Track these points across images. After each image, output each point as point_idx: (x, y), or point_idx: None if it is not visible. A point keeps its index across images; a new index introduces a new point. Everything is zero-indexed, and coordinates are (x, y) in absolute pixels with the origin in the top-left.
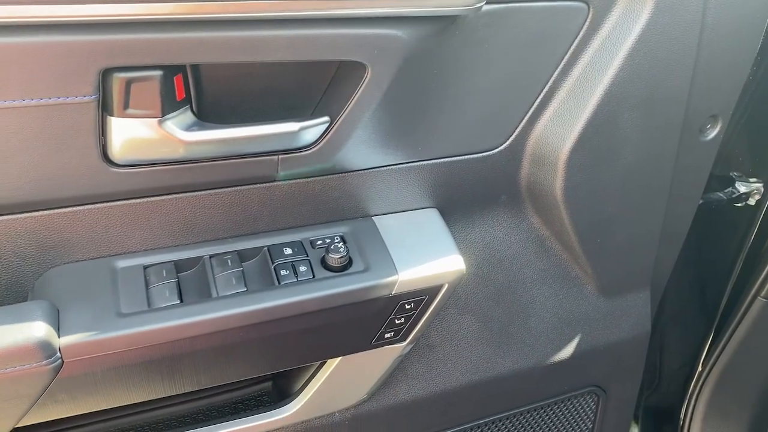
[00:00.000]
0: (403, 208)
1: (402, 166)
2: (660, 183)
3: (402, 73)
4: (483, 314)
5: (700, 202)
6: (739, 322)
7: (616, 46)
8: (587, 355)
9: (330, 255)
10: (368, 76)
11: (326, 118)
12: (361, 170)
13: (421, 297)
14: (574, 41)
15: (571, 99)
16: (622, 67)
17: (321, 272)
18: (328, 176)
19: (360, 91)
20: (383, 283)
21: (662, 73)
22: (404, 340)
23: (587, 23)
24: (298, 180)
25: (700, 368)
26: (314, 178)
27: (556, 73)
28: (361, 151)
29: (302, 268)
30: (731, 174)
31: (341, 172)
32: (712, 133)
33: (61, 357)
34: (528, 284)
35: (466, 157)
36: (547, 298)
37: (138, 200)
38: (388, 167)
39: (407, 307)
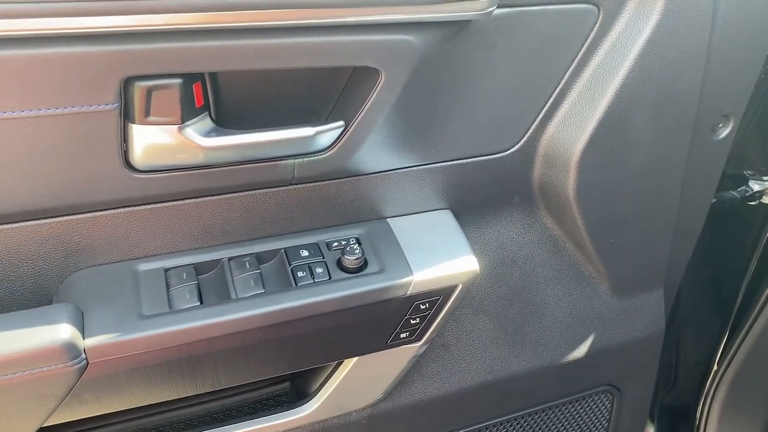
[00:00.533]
0: (417, 209)
1: (415, 168)
2: (672, 182)
3: (415, 77)
4: (497, 314)
5: (713, 200)
6: (755, 320)
7: (627, 47)
8: (601, 354)
9: (346, 257)
10: (382, 81)
11: (341, 123)
12: (375, 173)
13: (436, 297)
14: (584, 43)
15: (583, 100)
16: (632, 68)
17: (337, 274)
18: (343, 179)
19: (374, 95)
20: (398, 283)
21: (673, 74)
22: (419, 340)
23: (597, 25)
24: (314, 183)
25: (715, 367)
26: (329, 182)
27: (567, 74)
28: (375, 154)
29: (319, 270)
30: (744, 172)
31: (356, 175)
32: (724, 133)
33: (86, 358)
34: (542, 284)
35: (478, 158)
36: (561, 298)
37: (159, 205)
38: (401, 170)
39: (422, 307)
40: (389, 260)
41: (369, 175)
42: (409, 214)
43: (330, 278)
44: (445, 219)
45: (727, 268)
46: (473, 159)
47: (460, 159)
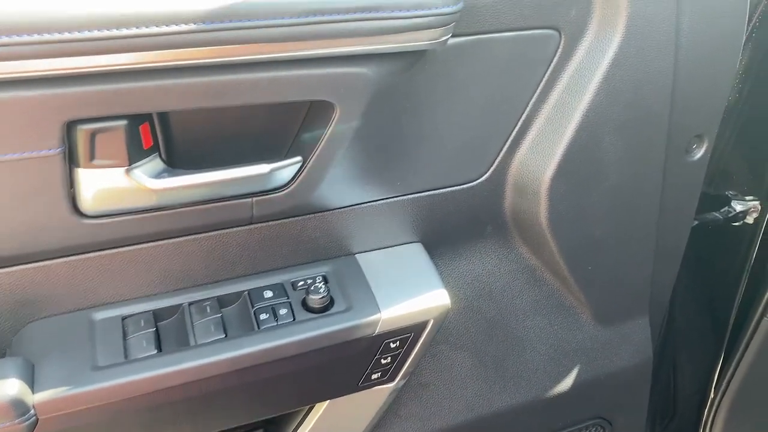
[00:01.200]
0: (386, 244)
1: (382, 202)
2: (648, 206)
3: (372, 109)
4: (476, 349)
5: (695, 223)
6: (747, 345)
7: (591, 70)
8: (588, 387)
9: (310, 296)
10: (337, 114)
11: (298, 158)
12: (339, 208)
13: (407, 335)
14: (548, 68)
15: (549, 126)
16: (598, 91)
17: (302, 314)
18: (307, 216)
19: (330, 129)
20: (365, 322)
21: (640, 95)
22: (392, 380)
23: (560, 50)
24: (276, 221)
25: (712, 395)
26: (293, 219)
27: (533, 101)
28: (338, 189)
29: (282, 311)
30: (727, 193)
31: (319, 211)
32: (699, 153)
33: (36, 414)
34: (521, 316)
35: (447, 189)
36: (542, 329)
37: (113, 251)
38: (367, 204)
39: (392, 345)
40: (356, 298)
41: (333, 211)
42: (379, 249)
43: (294, 319)
44: (416, 252)
45: (717, 292)
46: (441, 190)
47: (427, 190)
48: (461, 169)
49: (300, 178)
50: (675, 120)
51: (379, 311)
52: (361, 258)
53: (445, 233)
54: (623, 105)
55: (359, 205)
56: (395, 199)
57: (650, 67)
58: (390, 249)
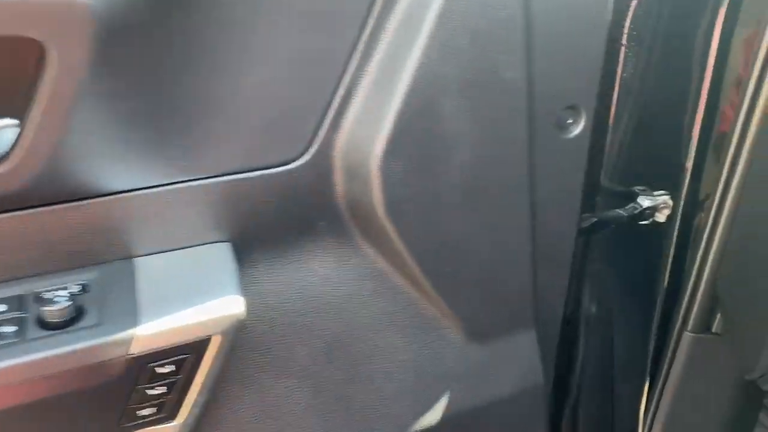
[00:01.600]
0: (182, 244)
1: (166, 188)
2: (515, 193)
3: (111, 56)
4: (310, 376)
5: (593, 220)
6: (671, 366)
7: (419, 19)
8: (463, 419)
9: (44, 308)
10: (52, 59)
11: (13, 121)
12: (107, 195)
13: (183, 355)
14: (368, 19)
15: (377, 90)
16: (430, 45)
17: (36, 332)
18: (58, 206)
19: (45, 81)
20: (114, 340)
21: (484, 52)
22: (173, 417)
23: None
24: (10, 213)
25: (640, 427)
26: (36, 210)
27: (355, 59)
28: (95, 167)
29: (8, 329)
30: (634, 189)
31: (75, 200)
32: (576, 130)
33: None
34: (369, 332)
35: (256, 173)
36: (398, 349)
37: None
38: (143, 191)
39: (163, 371)
40: (113, 311)
41: (99, 198)
42: (172, 251)
43: (23, 338)
44: (219, 254)
45: (638, 304)
46: (248, 174)
47: (231, 174)
48: (272, 146)
49: (17, 149)
50: (537, 86)
51: (135, 325)
52: (141, 262)
53: (263, 230)
54: (462, 63)
55: (135, 192)
56: (184, 185)
57: (494, 14)
58: (186, 250)
